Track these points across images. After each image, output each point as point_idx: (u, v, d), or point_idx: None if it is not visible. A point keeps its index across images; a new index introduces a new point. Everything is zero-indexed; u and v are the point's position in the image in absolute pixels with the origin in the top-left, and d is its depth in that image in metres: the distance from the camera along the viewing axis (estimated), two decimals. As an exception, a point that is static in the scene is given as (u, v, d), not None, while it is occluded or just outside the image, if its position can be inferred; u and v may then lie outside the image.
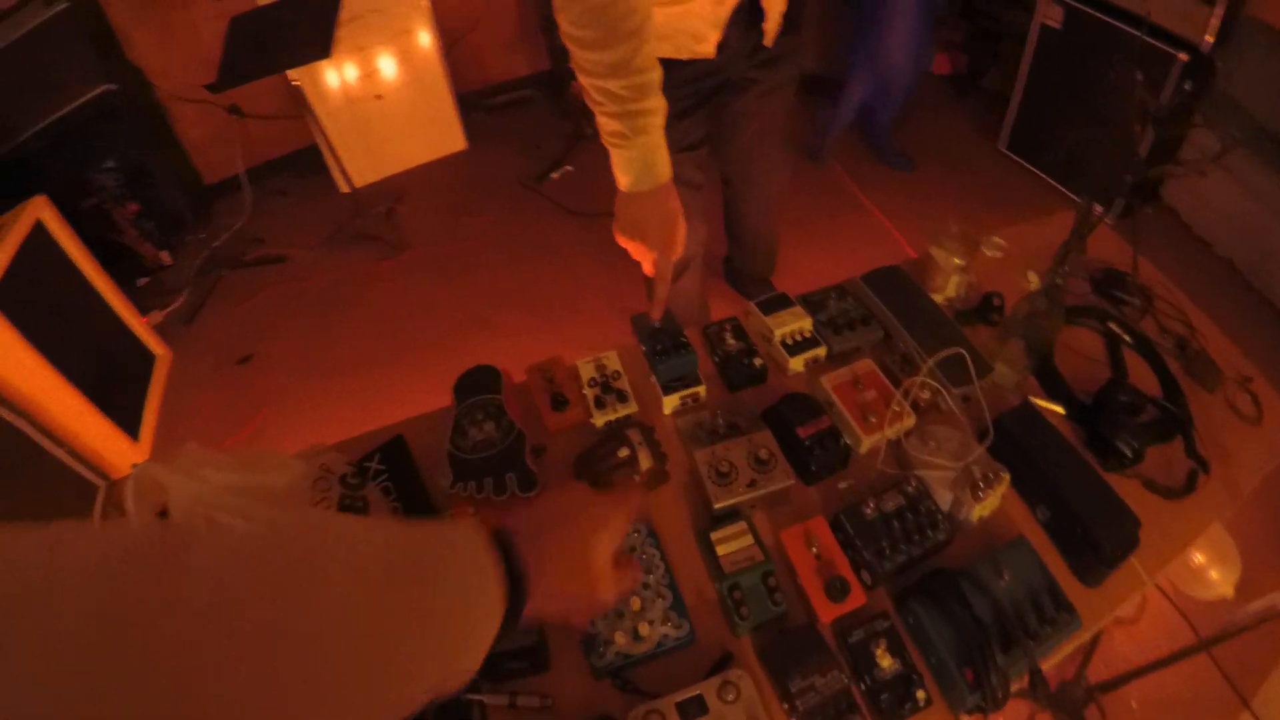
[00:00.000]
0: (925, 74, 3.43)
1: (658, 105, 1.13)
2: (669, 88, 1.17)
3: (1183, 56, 2.45)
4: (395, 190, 3.48)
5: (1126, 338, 1.33)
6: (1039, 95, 2.96)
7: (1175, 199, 2.91)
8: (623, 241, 1.23)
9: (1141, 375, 1.26)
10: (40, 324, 2.22)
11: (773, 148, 1.96)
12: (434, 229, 3.23)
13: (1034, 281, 1.35)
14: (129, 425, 2.47)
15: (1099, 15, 2.65)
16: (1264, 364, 1.32)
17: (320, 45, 2.56)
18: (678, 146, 1.30)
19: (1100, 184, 2.72)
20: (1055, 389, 1.23)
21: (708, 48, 1.45)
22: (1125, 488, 1.08)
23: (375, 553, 0.53)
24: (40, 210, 2.44)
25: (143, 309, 2.86)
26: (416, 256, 3.11)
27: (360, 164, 3.34)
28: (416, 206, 3.39)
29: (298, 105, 3.06)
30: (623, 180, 1.20)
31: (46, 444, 2.13)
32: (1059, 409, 1.20)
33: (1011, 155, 3.15)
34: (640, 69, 1.09)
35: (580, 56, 1.10)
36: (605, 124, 1.15)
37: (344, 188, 3.24)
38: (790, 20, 1.57)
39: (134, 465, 0.89)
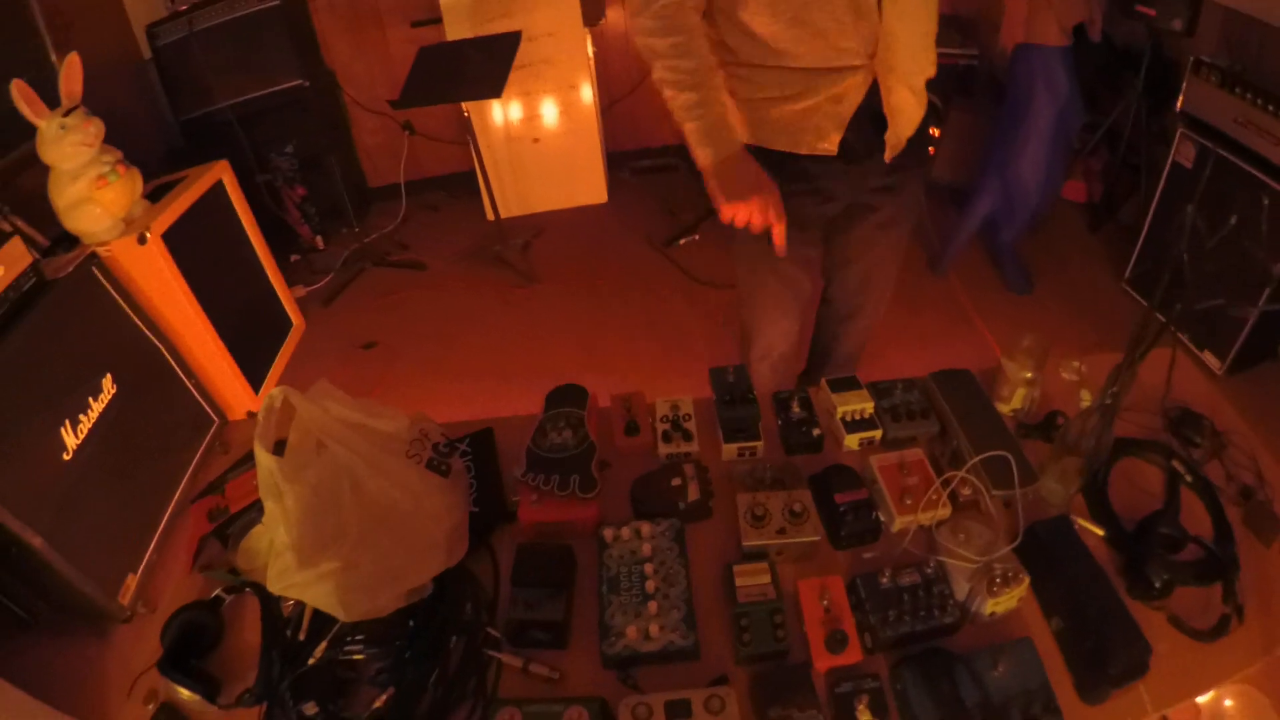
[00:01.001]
0: (1061, 200, 3.46)
1: (721, 83, 1.42)
2: (786, 177, 1.41)
3: None
4: (535, 226, 3.77)
5: (1187, 476, 1.35)
6: (1167, 236, 2.94)
7: None
8: (730, 210, 1.42)
9: (1198, 519, 1.27)
10: (199, 269, 2.52)
11: (883, 280, 1.95)
12: (564, 268, 3.48)
13: (1086, 399, 1.39)
14: (254, 378, 2.75)
15: (1229, 157, 2.63)
16: None
17: (494, 85, 2.85)
18: (796, 227, 1.51)
19: (1214, 331, 2.69)
20: (1100, 511, 1.27)
21: (829, 145, 1.50)
22: (1151, 619, 1.11)
23: None
24: (223, 172, 2.79)
25: (289, 281, 3.20)
26: (543, 289, 3.37)
27: (508, 196, 3.65)
28: (552, 245, 3.66)
29: (463, 133, 3.38)
30: (703, 155, 1.42)
31: (179, 371, 2.34)
32: (1099, 530, 1.24)
33: (1132, 291, 3.12)
34: (702, 52, 1.39)
35: (654, 45, 1.39)
36: (679, 99, 1.40)
37: (490, 215, 3.55)
38: (914, 151, 1.62)
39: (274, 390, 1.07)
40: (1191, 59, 2.79)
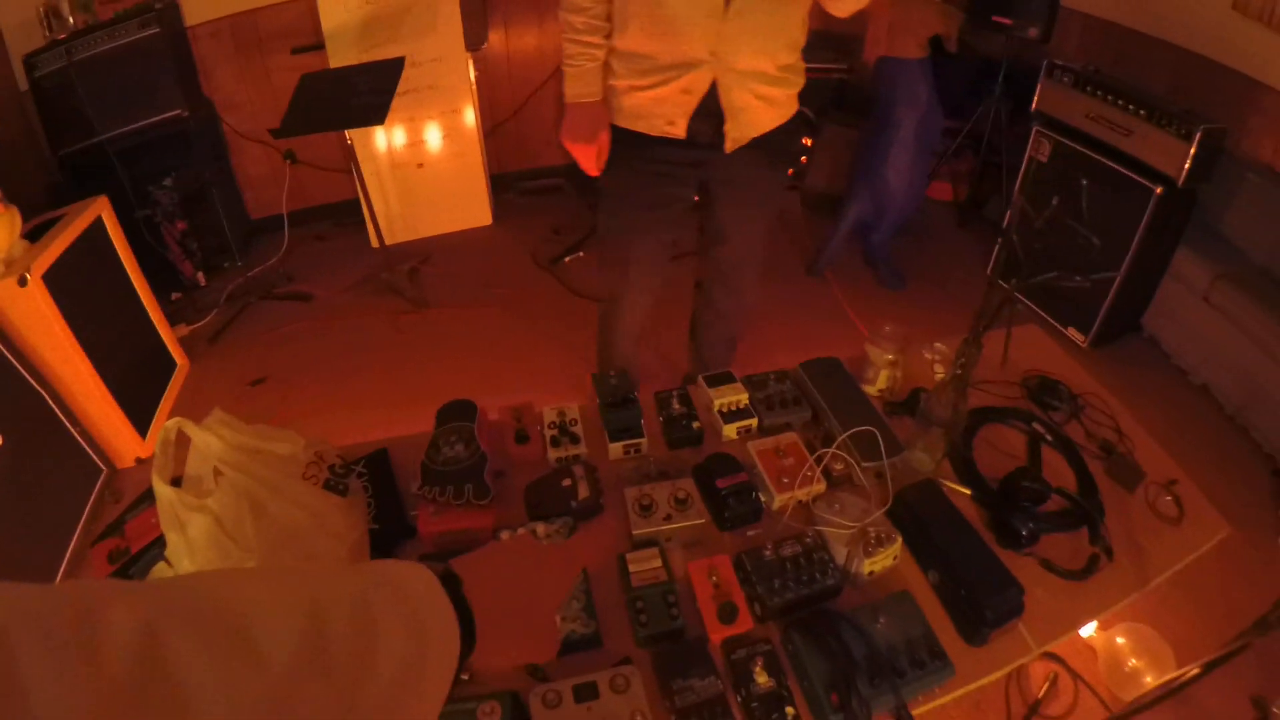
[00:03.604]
0: (931, 200, 3.69)
1: (600, 45, 1.72)
2: (646, 158, 1.80)
3: (1158, 190, 2.63)
4: (422, 252, 3.78)
5: (1047, 436, 1.48)
6: (1025, 225, 3.17)
7: (1155, 327, 3.07)
8: (567, 144, 1.83)
9: (1062, 475, 1.39)
10: (80, 310, 2.43)
11: (750, 263, 2.20)
12: (453, 292, 3.50)
13: (941, 373, 1.51)
14: (140, 423, 2.65)
15: (1081, 149, 2.88)
16: (1214, 474, 1.42)
17: (377, 111, 2.86)
18: (654, 204, 1.92)
19: (1076, 310, 2.92)
20: (966, 473, 1.38)
21: (677, 130, 1.77)
22: (1023, 565, 1.21)
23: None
24: (102, 209, 2.71)
25: (172, 320, 3.12)
26: (433, 314, 3.39)
27: (394, 223, 3.65)
28: (440, 269, 3.67)
29: (347, 160, 3.36)
30: (569, 92, 1.78)
31: (64, 419, 2.26)
32: (966, 490, 1.35)
33: (996, 281, 3.33)
34: (593, 24, 1.68)
35: (564, 17, 1.71)
36: (567, 49, 1.74)
37: (375, 242, 3.54)
38: (771, 148, 1.86)
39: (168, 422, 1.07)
40: (1045, 63, 3.03)
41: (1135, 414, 1.56)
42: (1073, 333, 3.01)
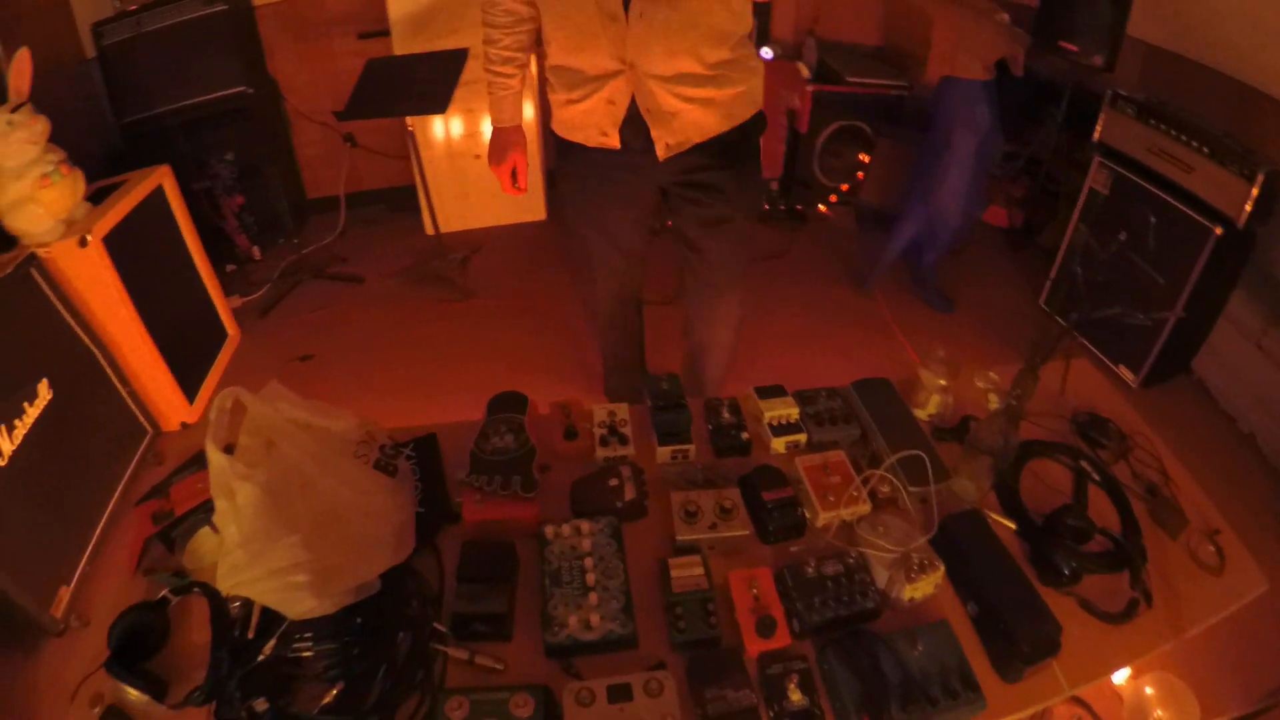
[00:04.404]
0: (984, 224, 3.64)
1: (513, 75, 1.88)
2: (591, 162, 1.85)
3: (1217, 230, 2.56)
4: (474, 242, 3.81)
5: (1094, 475, 1.45)
6: (1082, 257, 3.11)
7: (1205, 370, 3.00)
8: (491, 167, 1.97)
9: (1106, 514, 1.36)
10: (137, 274, 2.47)
11: (726, 274, 2.12)
12: (501, 283, 3.52)
13: (994, 404, 1.50)
14: (189, 388, 2.70)
15: (1142, 183, 2.81)
16: (1256, 525, 1.39)
17: (439, 100, 2.89)
18: (605, 203, 1.98)
19: (1128, 347, 2.86)
20: (1011, 506, 1.36)
21: (610, 140, 1.78)
22: (1062, 604, 1.19)
23: None
24: (164, 177, 2.75)
25: (225, 291, 3.16)
26: (481, 304, 3.40)
27: (448, 212, 3.66)
28: (490, 261, 3.69)
29: (405, 147, 3.40)
30: (490, 117, 1.96)
31: (115, 379, 2.29)
32: (1010, 524, 1.33)
33: (1049, 311, 3.29)
34: (506, 45, 1.83)
35: (485, 32, 1.83)
36: (487, 78, 1.90)
37: (429, 229, 3.56)
38: (724, 154, 1.82)
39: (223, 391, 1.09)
40: (1109, 92, 2.97)
41: (1181, 458, 1.53)
42: (1123, 371, 2.95)
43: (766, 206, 4.00)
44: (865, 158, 3.74)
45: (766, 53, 3.66)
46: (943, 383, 1.45)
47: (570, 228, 2.12)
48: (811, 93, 3.64)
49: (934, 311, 3.35)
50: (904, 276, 3.49)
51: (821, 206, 3.98)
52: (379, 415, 2.54)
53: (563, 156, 1.95)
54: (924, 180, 3.11)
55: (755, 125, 1.86)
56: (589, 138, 1.81)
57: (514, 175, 1.97)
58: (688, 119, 1.72)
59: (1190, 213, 2.65)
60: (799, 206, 4.00)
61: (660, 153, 1.76)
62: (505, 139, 1.93)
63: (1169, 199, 2.73)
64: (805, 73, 3.61)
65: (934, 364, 1.46)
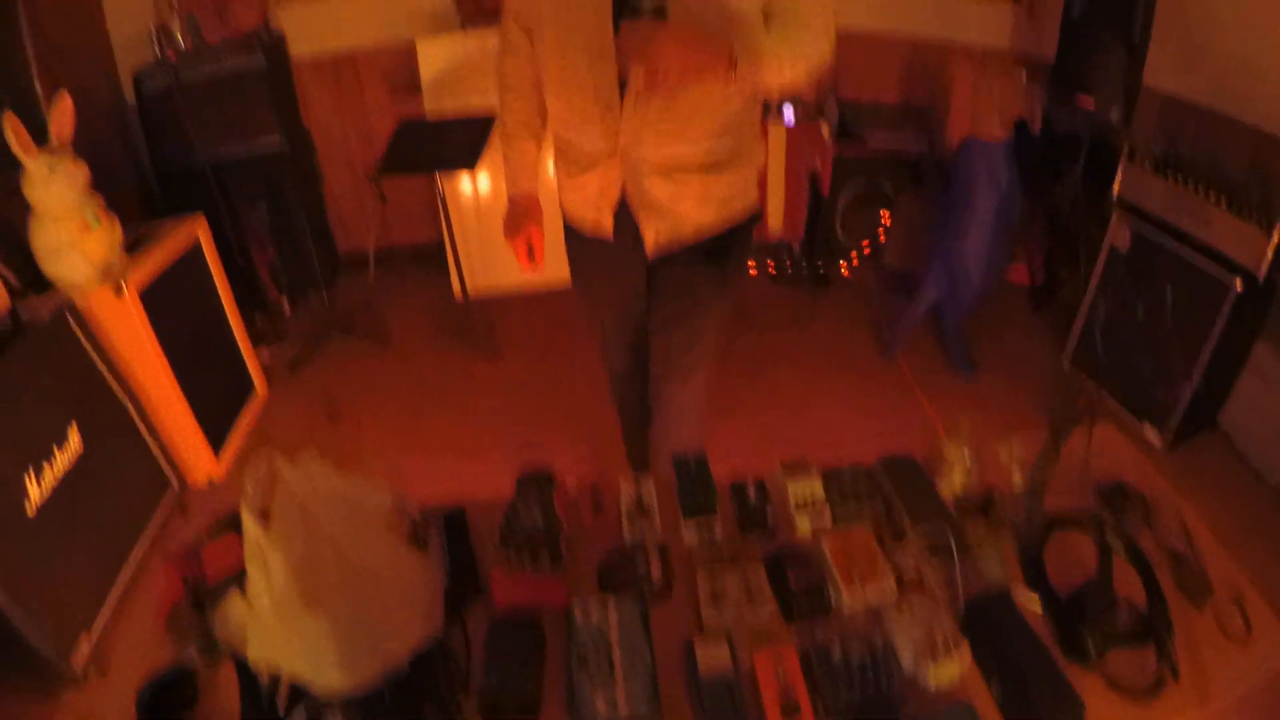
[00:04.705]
0: (1006, 282, 3.64)
1: (529, 140, 1.79)
2: (585, 253, 1.85)
3: (1238, 283, 2.55)
4: (503, 302, 3.84)
5: (1119, 546, 1.45)
6: (1105, 314, 3.11)
7: (1231, 424, 2.96)
8: (506, 238, 1.76)
9: (1132, 584, 1.35)
10: (169, 325, 2.51)
11: (685, 370, 1.95)
12: (527, 344, 3.55)
13: (1018, 479, 1.50)
14: (215, 442, 2.72)
15: (1162, 238, 2.81)
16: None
17: (468, 158, 2.96)
18: (608, 285, 1.93)
19: (1154, 405, 2.84)
20: (1036, 583, 1.36)
21: (604, 231, 1.74)
22: (1088, 681, 1.19)
23: None
24: (200, 229, 2.81)
25: (253, 342, 3.22)
26: (507, 364, 3.43)
27: (475, 272, 3.69)
28: (516, 320, 3.73)
29: (434, 205, 3.47)
30: (506, 185, 1.84)
31: (143, 429, 2.33)
32: (1036, 603, 1.33)
33: (1073, 370, 3.27)
34: (518, 109, 1.76)
35: (499, 95, 1.78)
36: (501, 145, 1.83)
37: (457, 291, 3.61)
38: (710, 257, 1.74)
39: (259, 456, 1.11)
40: (1127, 146, 2.97)
41: (1209, 519, 1.52)
42: (1149, 430, 2.93)
43: (790, 269, 4.02)
44: (887, 218, 3.77)
45: (789, 113, 3.71)
46: (966, 457, 1.46)
47: (580, 298, 2.11)
48: (833, 153, 3.67)
49: (956, 373, 3.34)
50: (928, 336, 3.50)
51: (844, 267, 3.99)
52: (409, 475, 2.57)
53: (567, 238, 1.93)
54: (944, 241, 3.14)
55: (750, 223, 1.80)
56: (585, 225, 1.78)
57: (530, 250, 1.83)
58: (680, 213, 1.67)
59: (1210, 267, 2.65)
60: (821, 268, 3.99)
61: (649, 248, 1.72)
62: (521, 208, 1.81)
63: (1189, 253, 2.73)
64: (826, 133, 3.66)
65: (958, 438, 1.47)
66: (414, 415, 3.14)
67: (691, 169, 1.60)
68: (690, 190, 1.62)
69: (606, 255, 1.80)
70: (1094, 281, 3.14)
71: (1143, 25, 3.04)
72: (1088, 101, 3.17)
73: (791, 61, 1.40)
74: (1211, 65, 2.98)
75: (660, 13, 1.35)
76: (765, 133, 3.55)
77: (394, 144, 3.13)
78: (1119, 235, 3.02)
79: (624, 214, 1.69)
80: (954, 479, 1.49)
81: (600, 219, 1.72)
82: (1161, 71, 3.07)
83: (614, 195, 1.66)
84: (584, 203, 1.73)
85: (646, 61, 1.26)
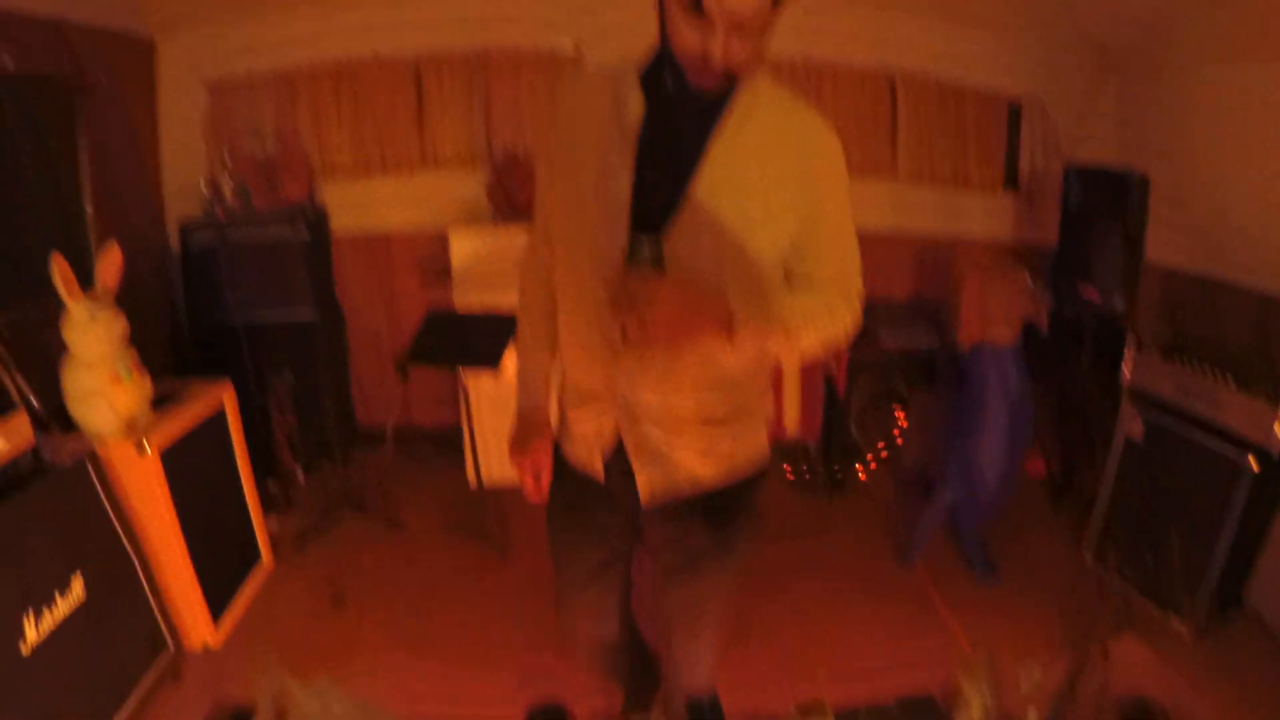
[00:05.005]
0: (1023, 475, 3.59)
1: (545, 354, 1.66)
2: (574, 486, 1.62)
3: (1252, 462, 2.53)
4: (517, 494, 3.76)
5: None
6: (1123, 505, 3.08)
7: (1259, 600, 2.83)
8: (511, 460, 1.64)
9: None
10: (185, 488, 2.51)
11: (695, 614, 1.77)
12: (540, 542, 3.41)
13: (1032, 716, 1.45)
14: (215, 608, 2.66)
15: (1173, 424, 2.82)
16: None
17: (491, 357, 3.04)
18: (583, 525, 1.68)
19: (1178, 595, 2.71)
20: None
21: (596, 471, 1.57)
22: None
23: None
24: (226, 395, 2.85)
25: (264, 509, 3.17)
26: (518, 562, 3.33)
27: (493, 462, 3.65)
28: (530, 516, 3.64)
29: (454, 390, 3.51)
30: (517, 399, 1.69)
31: (146, 587, 2.30)
32: None
33: (1093, 564, 3.20)
34: (533, 329, 1.66)
35: (519, 296, 1.67)
36: (517, 354, 1.70)
37: (473, 482, 3.60)
38: (710, 513, 1.57)
39: (271, 678, 1.10)
40: (1133, 336, 3.03)
41: (1240, 714, 1.45)
42: (1175, 622, 2.78)
43: (806, 473, 3.97)
44: (902, 417, 3.78)
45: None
46: (984, 695, 1.43)
47: (549, 531, 1.81)
48: (847, 354, 3.68)
49: (978, 579, 3.21)
50: (947, 538, 3.41)
51: (860, 470, 3.95)
52: (413, 677, 2.40)
53: (555, 464, 1.68)
54: (959, 447, 3.13)
55: (758, 479, 1.62)
56: (577, 459, 1.61)
57: (538, 477, 1.66)
58: (679, 463, 1.50)
59: (1223, 449, 2.66)
60: (838, 471, 3.91)
61: (644, 497, 1.53)
62: (530, 425, 1.66)
63: (1202, 436, 2.74)
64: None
65: (975, 671, 1.44)
66: (419, 614, 2.99)
67: (688, 420, 1.46)
68: (687, 441, 1.48)
69: (595, 493, 1.61)
70: (1109, 473, 3.12)
71: (1138, 212, 3.16)
72: (1091, 292, 3.25)
73: (804, 334, 1.34)
74: (1211, 235, 3.05)
75: (657, 262, 1.24)
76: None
77: (421, 334, 3.22)
78: (1132, 426, 3.03)
79: (617, 460, 1.53)
80: (972, 714, 1.44)
81: (592, 459, 1.57)
82: (1163, 247, 3.13)
83: (607, 438, 1.52)
84: (576, 438, 1.59)
85: (636, 315, 1.20)
